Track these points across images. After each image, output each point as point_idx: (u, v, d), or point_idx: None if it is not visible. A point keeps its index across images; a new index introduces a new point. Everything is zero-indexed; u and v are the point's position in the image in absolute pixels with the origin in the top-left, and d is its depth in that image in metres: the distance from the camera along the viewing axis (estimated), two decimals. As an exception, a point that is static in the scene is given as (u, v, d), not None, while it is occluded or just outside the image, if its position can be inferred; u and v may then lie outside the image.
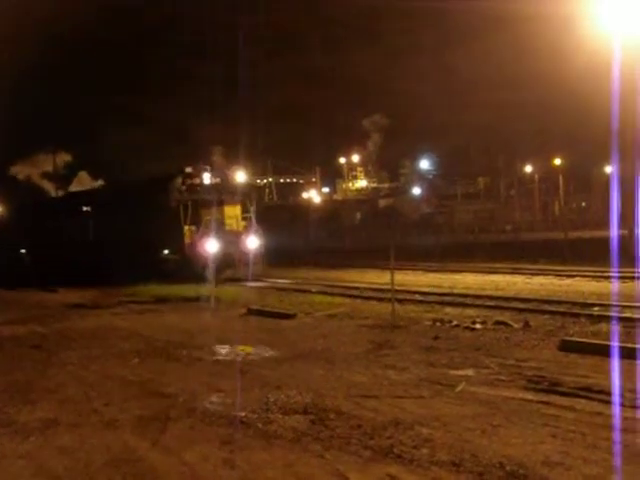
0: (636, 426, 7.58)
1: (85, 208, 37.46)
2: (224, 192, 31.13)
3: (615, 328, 13.98)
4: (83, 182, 75.98)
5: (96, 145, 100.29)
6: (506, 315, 16.23)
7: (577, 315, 15.81)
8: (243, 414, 8.64)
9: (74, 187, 72.08)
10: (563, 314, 16.10)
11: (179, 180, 30.16)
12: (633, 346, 11.28)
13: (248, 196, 33.27)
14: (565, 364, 10.99)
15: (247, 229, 31.02)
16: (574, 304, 17.61)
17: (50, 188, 77.57)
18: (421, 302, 19.52)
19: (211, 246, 27.98)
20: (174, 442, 7.63)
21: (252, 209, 31.94)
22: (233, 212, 31.11)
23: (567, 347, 12.06)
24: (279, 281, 29.44)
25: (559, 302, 18.12)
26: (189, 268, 27.46)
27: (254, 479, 6.54)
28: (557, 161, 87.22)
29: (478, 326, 15.01)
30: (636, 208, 31.70)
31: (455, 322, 15.58)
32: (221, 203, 30.60)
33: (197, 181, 30.39)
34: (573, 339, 12.67)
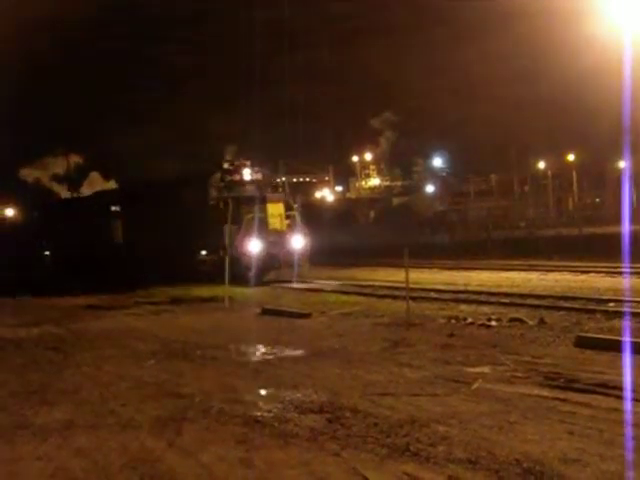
0: (653, 422, 7.56)
1: (113, 208, 36.01)
2: (266, 189, 29.74)
3: (630, 324, 13.96)
4: (95, 183, 75.55)
5: (106, 146, 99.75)
6: (521, 312, 16.20)
7: (592, 311, 15.78)
8: (259, 414, 8.66)
9: (85, 189, 71.83)
10: (578, 310, 16.06)
11: (217, 176, 28.90)
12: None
13: (291, 193, 31.74)
14: (581, 360, 10.98)
15: (291, 228, 28.96)
16: (589, 300, 17.58)
17: (60, 190, 77.45)
18: (436, 300, 19.51)
19: (254, 246, 26.54)
20: (191, 442, 7.65)
21: (296, 206, 30.44)
22: (276, 210, 28.74)
23: (583, 343, 12.03)
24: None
25: (574, 298, 18.09)
26: (229, 270, 25.12)
27: (270, 479, 6.55)
28: (570, 157, 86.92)
29: (493, 323, 15.00)
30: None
31: (470, 319, 15.57)
32: (264, 200, 28.53)
33: (237, 177, 28.89)
34: (588, 335, 12.64)
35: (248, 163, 29.35)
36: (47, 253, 40.14)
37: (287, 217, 29.21)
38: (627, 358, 10.59)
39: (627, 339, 11.64)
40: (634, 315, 14.71)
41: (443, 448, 7.06)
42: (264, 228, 27.66)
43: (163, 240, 29.54)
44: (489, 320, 15.30)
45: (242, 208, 27.71)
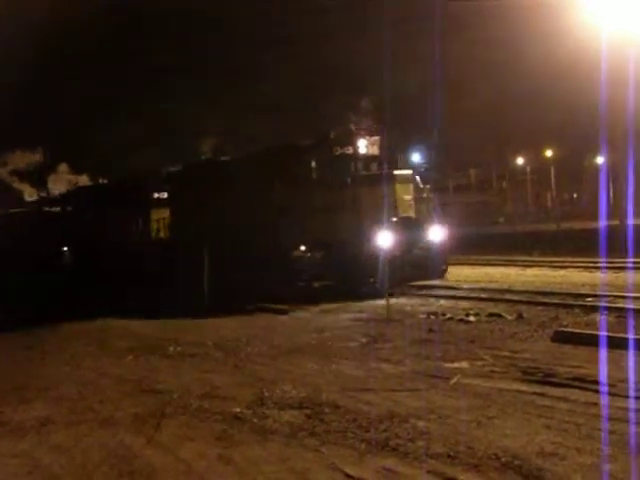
0: (629, 415, 7.60)
1: (156, 195, 28.77)
2: (390, 165, 22.28)
3: (608, 318, 14.04)
4: (61, 178, 70.23)
5: (78, 139, 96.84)
6: (500, 307, 16.26)
7: (570, 306, 15.84)
8: (238, 410, 8.65)
9: (52, 184, 67.30)
10: (556, 305, 16.13)
11: (323, 150, 22.32)
12: (625, 336, 11.33)
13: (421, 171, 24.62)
14: (559, 355, 11.02)
15: (427, 215, 22.29)
16: (567, 295, 17.64)
17: (24, 188, 72.42)
18: (415, 295, 19.53)
19: (384, 240, 18.55)
20: (169, 439, 7.64)
21: (428, 188, 22.99)
22: (406, 192, 21.66)
23: (561, 338, 12.09)
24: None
25: (552, 293, 18.14)
26: (339, 272, 20.50)
27: (250, 474, 6.54)
28: (548, 153, 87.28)
29: (472, 318, 15.04)
30: (626, 199, 31.82)
31: (449, 315, 15.62)
32: (391, 180, 21.31)
33: (350, 150, 21.95)
34: (566, 330, 12.69)
35: (363, 132, 22.33)
36: (65, 250, 33.64)
37: (416, 201, 22.16)
38: (604, 352, 10.65)
39: (604, 334, 11.71)
40: (611, 310, 14.78)
41: (422, 443, 7.08)
42: (393, 216, 20.73)
43: (235, 235, 23.35)
44: (468, 315, 15.35)
45: (360, 190, 21.16)
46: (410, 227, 21.10)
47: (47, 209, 39.39)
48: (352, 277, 20.39)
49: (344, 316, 16.59)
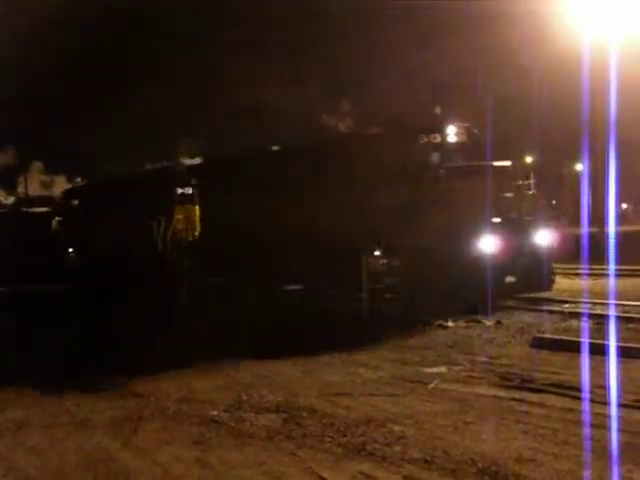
0: (606, 422, 7.63)
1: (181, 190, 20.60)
2: (480, 156, 18.28)
3: (586, 325, 14.10)
4: (33, 179, 66.75)
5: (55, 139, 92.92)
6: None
7: (549, 312, 15.88)
8: (215, 413, 8.62)
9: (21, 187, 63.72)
10: (535, 311, 16.16)
11: (406, 137, 18.52)
12: (603, 342, 11.38)
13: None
14: (536, 361, 11.05)
15: (530, 215, 19.06)
16: (546, 301, 17.64)
17: None
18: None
19: (485, 244, 16.39)
20: (146, 442, 7.60)
21: (532, 182, 19.89)
22: (507, 188, 18.56)
23: (538, 344, 12.13)
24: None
25: (531, 299, 18.11)
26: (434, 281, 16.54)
27: (227, 478, 6.52)
28: (528, 159, 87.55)
29: (450, 324, 15.05)
30: (606, 206, 31.94)
31: (428, 320, 15.58)
32: (489, 173, 17.53)
33: (437, 139, 17.97)
34: (544, 336, 12.74)
35: (453, 119, 18.67)
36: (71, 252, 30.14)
37: (520, 198, 19.03)
38: (582, 359, 10.69)
39: (582, 340, 11.76)
40: (590, 316, 14.85)
41: (399, 448, 7.08)
42: (493, 216, 17.27)
43: (291, 238, 18.83)
44: (446, 321, 15.33)
45: (454, 185, 17.47)
46: (513, 229, 17.65)
47: (26, 210, 36.51)
48: (441, 290, 16.47)
49: (323, 320, 16.31)
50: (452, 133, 17.92)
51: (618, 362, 10.35)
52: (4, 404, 9.58)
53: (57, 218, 30.97)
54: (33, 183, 61.07)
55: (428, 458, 6.74)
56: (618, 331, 12.80)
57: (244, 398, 9.28)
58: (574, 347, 11.39)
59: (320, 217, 18.53)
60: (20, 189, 59.57)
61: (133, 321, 14.83)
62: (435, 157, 17.96)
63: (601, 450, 6.82)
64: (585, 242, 26.61)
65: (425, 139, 17.96)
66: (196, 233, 20.94)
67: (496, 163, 18.09)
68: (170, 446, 7.44)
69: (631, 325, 13.87)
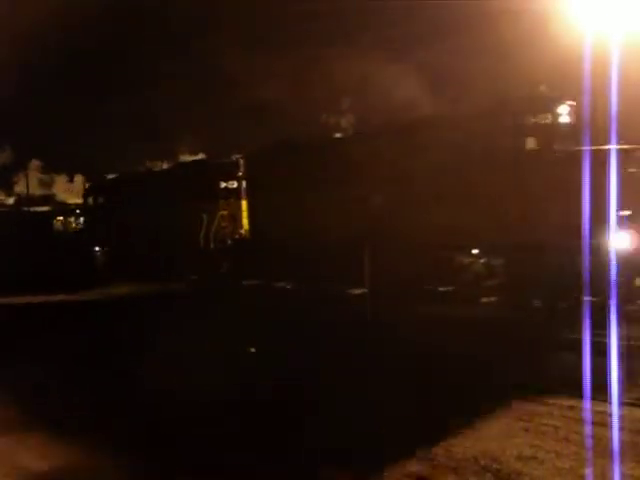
0: (607, 419, 7.60)
1: (224, 184, 22.14)
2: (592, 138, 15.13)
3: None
4: (31, 178, 65.56)
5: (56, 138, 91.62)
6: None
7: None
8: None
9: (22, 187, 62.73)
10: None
11: (519, 113, 15.99)
12: (605, 341, 11.30)
13: None
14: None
15: None
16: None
17: None
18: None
19: (619, 242, 13.91)
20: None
21: None
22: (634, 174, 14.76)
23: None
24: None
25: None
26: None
27: None
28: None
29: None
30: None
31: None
32: (618, 158, 14.19)
33: (547, 119, 15.80)
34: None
35: (563, 96, 16.41)
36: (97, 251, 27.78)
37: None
38: (586, 357, 10.63)
39: (588, 339, 11.67)
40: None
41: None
42: (623, 208, 14.18)
43: (362, 233, 17.17)
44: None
45: (573, 171, 14.26)
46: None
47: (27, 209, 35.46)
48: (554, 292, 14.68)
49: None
50: (565, 113, 15.89)
51: None
52: None
53: (79, 218, 31.31)
54: (31, 182, 60.67)
55: (430, 456, 6.71)
56: None
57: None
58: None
59: (422, 210, 16.75)
60: (20, 189, 59.42)
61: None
62: (548, 140, 15.68)
63: (602, 448, 6.78)
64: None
65: (531, 119, 15.92)
66: (242, 231, 21.32)
67: (627, 147, 14.98)
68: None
69: None
